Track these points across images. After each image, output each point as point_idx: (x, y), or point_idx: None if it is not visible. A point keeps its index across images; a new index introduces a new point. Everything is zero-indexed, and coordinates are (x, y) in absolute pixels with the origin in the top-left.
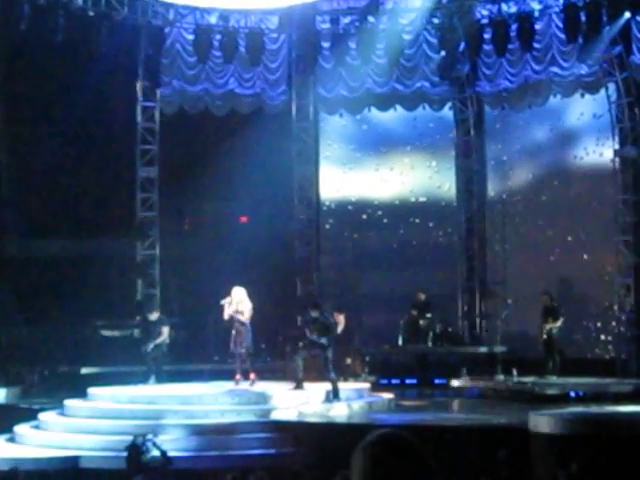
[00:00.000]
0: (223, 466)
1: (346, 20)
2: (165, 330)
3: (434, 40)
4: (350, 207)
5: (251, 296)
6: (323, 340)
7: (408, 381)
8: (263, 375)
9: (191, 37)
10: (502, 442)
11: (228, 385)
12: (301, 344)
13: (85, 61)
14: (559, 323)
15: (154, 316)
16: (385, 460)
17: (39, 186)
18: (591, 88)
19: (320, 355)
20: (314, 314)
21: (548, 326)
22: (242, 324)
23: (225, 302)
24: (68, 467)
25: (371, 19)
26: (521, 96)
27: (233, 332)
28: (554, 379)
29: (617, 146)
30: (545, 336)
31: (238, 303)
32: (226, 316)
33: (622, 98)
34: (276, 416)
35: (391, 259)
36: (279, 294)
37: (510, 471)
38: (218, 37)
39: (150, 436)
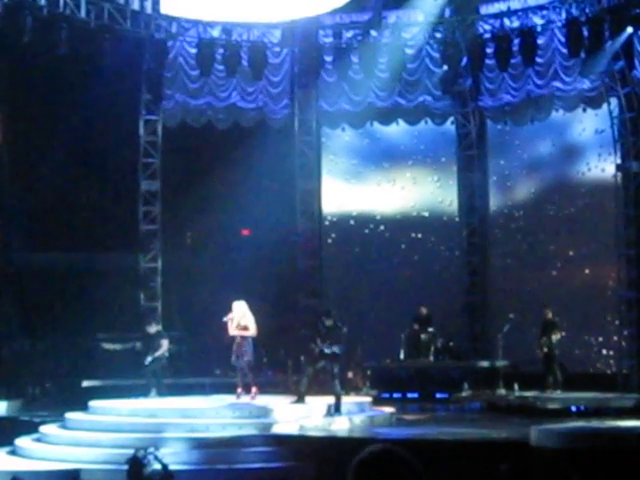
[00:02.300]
0: None
1: (349, 34)
2: (164, 343)
3: (436, 54)
4: (352, 221)
5: (253, 309)
6: (335, 349)
7: (409, 395)
8: (264, 388)
9: (194, 50)
10: (504, 456)
11: (229, 398)
12: (305, 358)
13: (88, 74)
14: (558, 336)
15: (153, 329)
16: (376, 477)
17: (42, 200)
18: (593, 103)
19: (327, 368)
20: (328, 323)
21: (553, 337)
22: (244, 337)
23: (228, 319)
24: None
25: (374, 33)
26: (523, 111)
27: (234, 345)
28: (557, 393)
29: (619, 161)
30: (546, 349)
31: (241, 318)
32: (232, 332)
33: (624, 113)
34: (277, 430)
35: (393, 273)
36: (281, 307)
37: None
38: (221, 51)
39: (151, 449)
